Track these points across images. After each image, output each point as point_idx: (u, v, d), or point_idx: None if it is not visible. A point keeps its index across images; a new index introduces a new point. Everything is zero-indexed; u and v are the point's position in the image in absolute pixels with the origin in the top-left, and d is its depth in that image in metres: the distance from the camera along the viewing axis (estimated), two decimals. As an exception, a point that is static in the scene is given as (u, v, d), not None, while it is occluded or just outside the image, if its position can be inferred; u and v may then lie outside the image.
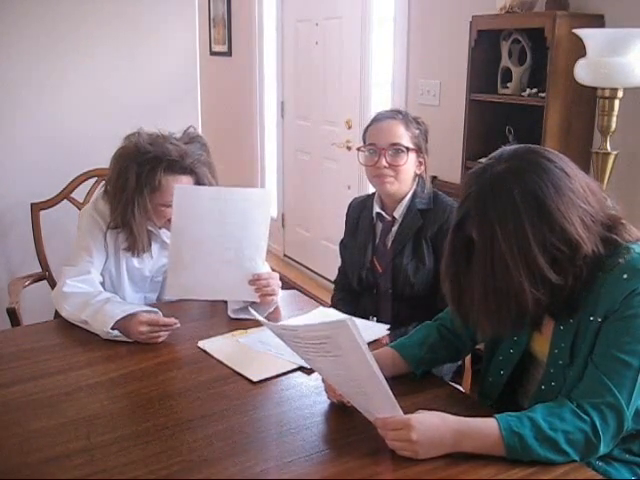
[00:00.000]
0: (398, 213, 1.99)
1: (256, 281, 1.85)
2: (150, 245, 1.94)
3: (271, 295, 1.87)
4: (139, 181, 1.85)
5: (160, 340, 1.73)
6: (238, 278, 1.85)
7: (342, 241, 2.19)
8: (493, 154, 1.30)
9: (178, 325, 1.75)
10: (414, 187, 1.99)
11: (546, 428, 1.19)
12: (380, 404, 1.26)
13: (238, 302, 1.91)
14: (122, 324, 1.73)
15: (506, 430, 1.19)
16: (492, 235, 1.21)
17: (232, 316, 1.89)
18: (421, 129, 1.98)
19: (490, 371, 1.49)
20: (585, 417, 1.20)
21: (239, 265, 1.84)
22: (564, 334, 1.31)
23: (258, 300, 1.86)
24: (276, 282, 1.89)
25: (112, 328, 1.72)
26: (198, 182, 1.90)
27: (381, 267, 2.01)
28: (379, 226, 2.04)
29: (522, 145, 1.31)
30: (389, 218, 2.00)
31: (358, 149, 2.01)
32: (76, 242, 1.95)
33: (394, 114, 1.97)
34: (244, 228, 1.82)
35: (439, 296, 1.91)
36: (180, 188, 1.78)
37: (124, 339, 1.73)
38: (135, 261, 1.97)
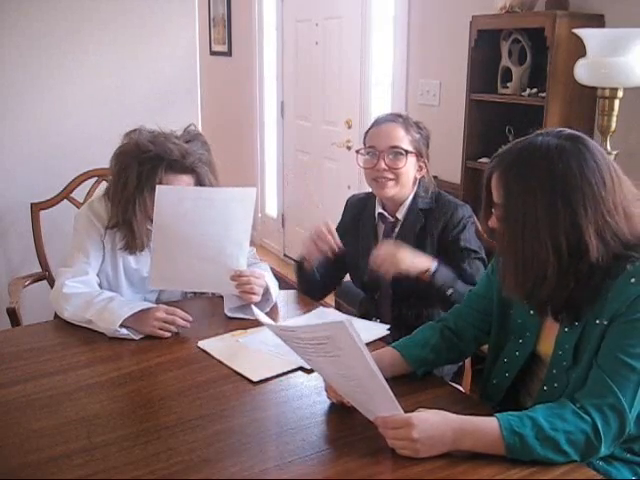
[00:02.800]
0: (401, 214, 1.98)
1: (237, 277, 1.85)
2: (147, 244, 1.94)
3: (250, 294, 1.85)
4: (140, 180, 1.84)
5: (168, 335, 1.74)
6: (219, 273, 1.85)
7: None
8: (551, 128, 1.34)
9: (188, 326, 1.77)
10: (414, 190, 1.98)
11: (547, 428, 1.19)
12: (380, 403, 1.26)
13: (234, 301, 1.91)
14: (135, 318, 1.73)
15: (507, 429, 1.19)
16: (530, 194, 1.26)
17: (229, 315, 1.89)
18: (422, 133, 1.97)
19: (494, 373, 1.49)
20: (586, 417, 1.20)
21: (220, 262, 1.84)
22: (569, 336, 1.31)
23: (238, 293, 1.86)
24: (259, 282, 1.87)
25: (120, 325, 1.72)
26: (199, 181, 1.89)
27: None
28: (381, 227, 2.04)
29: (581, 134, 1.32)
30: (391, 219, 2.00)
31: (357, 152, 2.00)
32: (72, 243, 1.94)
33: (394, 117, 1.96)
34: (226, 227, 1.82)
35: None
36: (162, 189, 1.77)
37: (130, 337, 1.73)
38: (132, 262, 1.97)
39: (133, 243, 1.90)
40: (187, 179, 1.88)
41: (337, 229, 2.15)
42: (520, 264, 1.28)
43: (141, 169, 1.84)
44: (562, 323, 1.33)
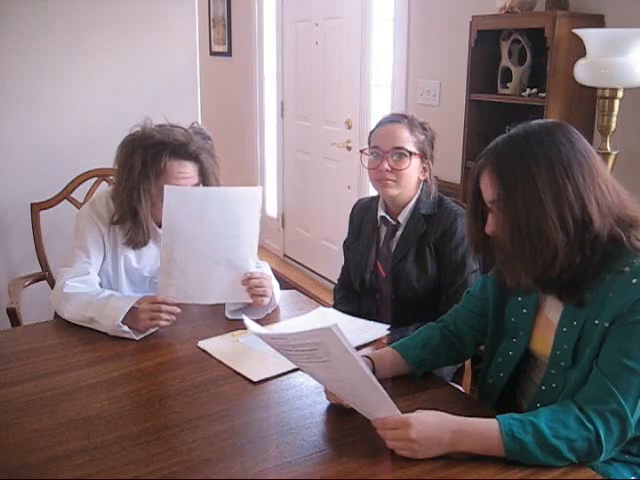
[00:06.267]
0: (402, 218, 1.98)
1: (248, 280, 1.84)
2: (149, 238, 1.93)
3: (262, 296, 1.85)
4: (145, 165, 1.84)
5: (164, 323, 1.75)
6: (231, 279, 1.84)
7: (345, 241, 2.19)
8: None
9: (178, 310, 1.77)
10: (418, 192, 1.98)
11: (549, 435, 1.18)
12: (377, 405, 1.26)
13: (236, 303, 1.91)
14: (130, 316, 1.74)
15: (507, 435, 1.19)
16: (529, 173, 1.24)
17: (230, 317, 1.89)
18: (427, 135, 1.97)
19: (489, 373, 1.49)
20: (589, 426, 1.19)
21: (232, 265, 1.84)
22: (567, 335, 1.31)
23: (251, 301, 1.86)
24: (269, 283, 1.88)
25: (121, 322, 1.73)
26: (202, 170, 1.89)
27: (384, 271, 2.00)
28: (383, 229, 2.04)
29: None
30: (393, 222, 2.00)
31: (361, 152, 2.01)
32: (73, 242, 1.94)
33: (399, 118, 1.96)
34: (236, 228, 1.81)
35: (442, 300, 1.92)
36: (170, 189, 1.77)
37: (129, 336, 1.74)
38: (133, 261, 1.97)
39: (136, 236, 1.89)
40: (191, 166, 1.87)
41: (347, 240, 2.16)
42: (528, 251, 1.24)
43: (145, 154, 1.84)
44: (564, 305, 1.32)
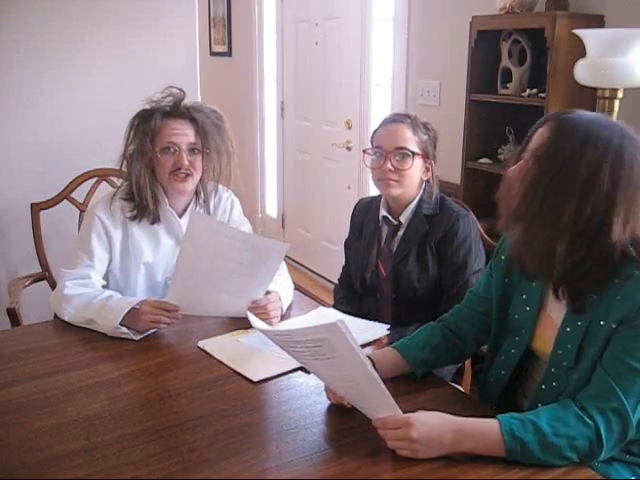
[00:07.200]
0: (404, 218, 1.98)
1: (253, 308, 1.80)
2: (159, 215, 1.93)
3: (268, 319, 1.82)
4: (137, 131, 1.90)
5: (164, 326, 1.75)
6: (237, 303, 1.81)
7: (346, 241, 2.18)
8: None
9: (180, 316, 1.76)
10: (420, 193, 1.98)
11: (550, 434, 1.18)
12: (379, 404, 1.26)
13: None
14: (129, 317, 1.73)
15: (508, 434, 1.19)
16: (582, 150, 1.22)
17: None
18: (429, 135, 1.96)
19: (491, 371, 1.49)
20: (590, 422, 1.19)
21: (240, 297, 1.81)
22: (571, 335, 1.31)
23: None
24: (274, 306, 1.85)
25: (120, 323, 1.72)
26: (198, 129, 1.89)
27: (385, 272, 2.00)
28: (384, 229, 2.03)
29: None
30: (395, 222, 2.00)
31: (364, 151, 2.00)
32: (77, 244, 1.93)
33: (402, 118, 1.96)
34: (253, 271, 1.78)
35: (443, 301, 1.92)
36: (197, 215, 1.82)
37: (128, 337, 1.73)
38: (149, 255, 1.95)
39: (142, 208, 1.90)
40: (185, 123, 1.89)
41: (347, 240, 2.16)
42: (536, 212, 1.24)
43: (139, 122, 1.90)
44: (566, 307, 1.31)
